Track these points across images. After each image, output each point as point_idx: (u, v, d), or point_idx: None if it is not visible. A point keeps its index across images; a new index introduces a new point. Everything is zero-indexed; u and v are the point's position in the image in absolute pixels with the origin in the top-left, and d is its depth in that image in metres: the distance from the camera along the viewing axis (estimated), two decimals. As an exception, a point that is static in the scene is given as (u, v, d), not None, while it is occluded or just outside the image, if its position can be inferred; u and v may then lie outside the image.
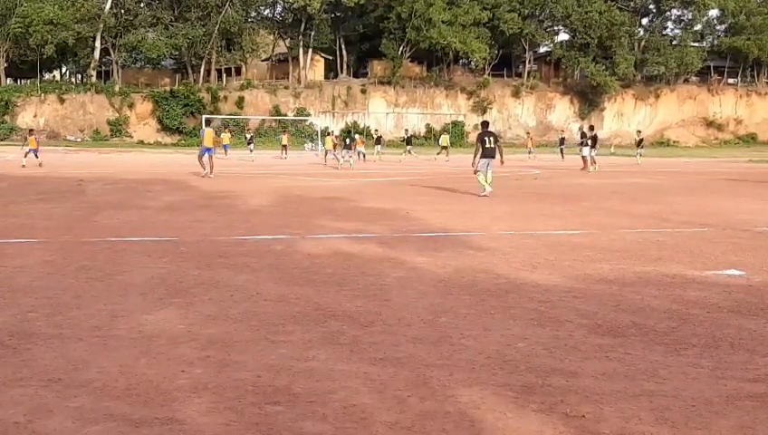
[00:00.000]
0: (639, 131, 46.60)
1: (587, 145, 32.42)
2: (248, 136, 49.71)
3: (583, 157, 32.55)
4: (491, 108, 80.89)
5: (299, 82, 78.16)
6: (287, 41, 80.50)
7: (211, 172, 24.67)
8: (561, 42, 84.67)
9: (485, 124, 19.96)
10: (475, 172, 18.12)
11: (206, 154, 25.05)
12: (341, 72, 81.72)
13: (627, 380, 4.57)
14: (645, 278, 7.73)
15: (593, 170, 30.73)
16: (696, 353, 5.14)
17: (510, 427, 3.86)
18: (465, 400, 4.21)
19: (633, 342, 5.40)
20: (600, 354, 5.08)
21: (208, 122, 29.51)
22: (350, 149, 35.97)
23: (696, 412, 4.07)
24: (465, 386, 4.43)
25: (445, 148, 46.62)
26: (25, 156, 31.28)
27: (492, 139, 18.40)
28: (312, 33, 76.77)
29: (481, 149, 18.09)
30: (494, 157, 18.18)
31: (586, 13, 77.01)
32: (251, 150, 45.68)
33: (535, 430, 3.83)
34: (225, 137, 47.28)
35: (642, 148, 41.90)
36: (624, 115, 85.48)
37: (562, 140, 47.67)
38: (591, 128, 35.02)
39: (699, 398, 4.28)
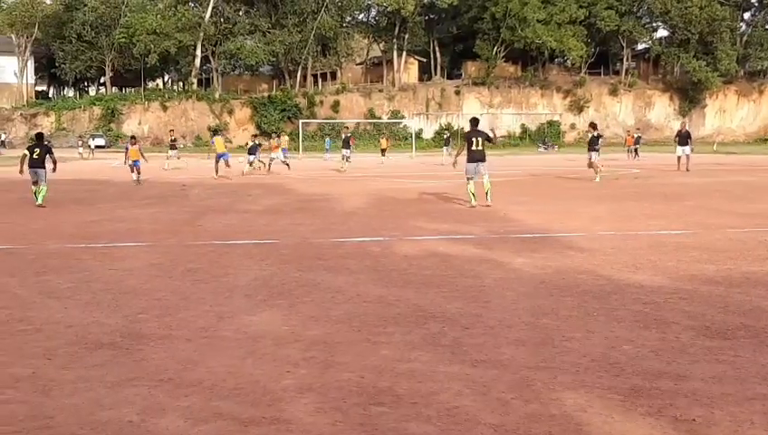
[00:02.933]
0: None
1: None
2: (171, 139, 38.88)
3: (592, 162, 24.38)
4: (588, 107, 79.75)
5: (393, 84, 78.58)
6: (381, 44, 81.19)
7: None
8: (660, 38, 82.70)
9: (475, 122, 16.62)
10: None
11: (220, 159, 27.22)
12: (435, 74, 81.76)
13: (738, 383, 4.44)
14: (753, 279, 7.49)
15: (598, 180, 23.26)
16: (812, 357, 4.94)
17: (617, 430, 3.80)
18: (571, 403, 4.16)
19: (743, 344, 5.25)
20: (710, 357, 4.95)
21: (217, 132, 32.25)
22: (254, 154, 31.96)
23: (815, 419, 3.92)
24: (569, 389, 4.38)
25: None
26: (134, 171, 24.85)
27: (480, 139, 15.78)
28: (406, 36, 77.06)
29: (467, 151, 15.96)
30: (483, 160, 15.78)
31: (685, 8, 74.83)
32: (176, 157, 37.03)
33: (644, 433, 3.76)
34: (284, 140, 40.58)
35: None
36: (726, 112, 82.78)
37: (638, 139, 46.01)
38: (594, 126, 25.73)
39: (817, 404, 4.12)
